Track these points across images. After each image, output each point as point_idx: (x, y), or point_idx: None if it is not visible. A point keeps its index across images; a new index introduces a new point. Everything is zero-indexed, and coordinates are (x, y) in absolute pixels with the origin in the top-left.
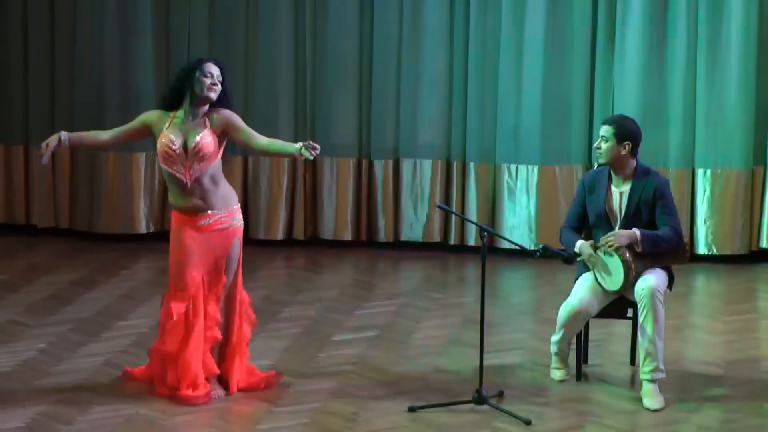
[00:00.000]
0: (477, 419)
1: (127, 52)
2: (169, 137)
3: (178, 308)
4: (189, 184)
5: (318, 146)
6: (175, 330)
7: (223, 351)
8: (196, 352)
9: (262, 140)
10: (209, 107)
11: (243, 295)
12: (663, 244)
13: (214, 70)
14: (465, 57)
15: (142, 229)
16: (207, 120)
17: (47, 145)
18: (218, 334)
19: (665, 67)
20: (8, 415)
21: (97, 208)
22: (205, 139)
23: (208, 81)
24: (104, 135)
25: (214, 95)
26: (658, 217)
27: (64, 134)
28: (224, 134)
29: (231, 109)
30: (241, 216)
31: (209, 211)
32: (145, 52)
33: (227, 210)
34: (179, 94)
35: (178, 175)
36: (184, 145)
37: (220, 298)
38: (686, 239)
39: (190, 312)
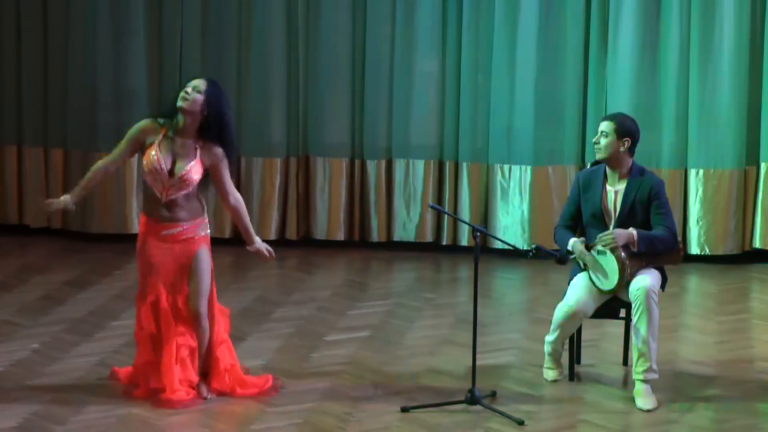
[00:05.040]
0: (470, 419)
1: (119, 52)
2: (159, 155)
3: (146, 317)
4: (163, 200)
5: (273, 255)
6: (146, 340)
7: (202, 356)
8: (172, 358)
9: (233, 203)
10: (206, 136)
11: (216, 303)
12: (659, 245)
13: (195, 81)
14: (458, 56)
15: (135, 229)
16: (198, 150)
17: (54, 203)
18: (191, 341)
19: (658, 67)
20: (1, 415)
21: (90, 209)
22: (193, 171)
23: (182, 92)
24: (101, 167)
25: (183, 104)
26: (653, 217)
27: (68, 198)
28: (207, 170)
29: (230, 140)
30: (207, 226)
31: (174, 223)
32: (137, 53)
33: (193, 222)
34: (172, 106)
35: (155, 191)
36: (171, 170)
37: (187, 306)
38: (679, 239)
39: (159, 320)
